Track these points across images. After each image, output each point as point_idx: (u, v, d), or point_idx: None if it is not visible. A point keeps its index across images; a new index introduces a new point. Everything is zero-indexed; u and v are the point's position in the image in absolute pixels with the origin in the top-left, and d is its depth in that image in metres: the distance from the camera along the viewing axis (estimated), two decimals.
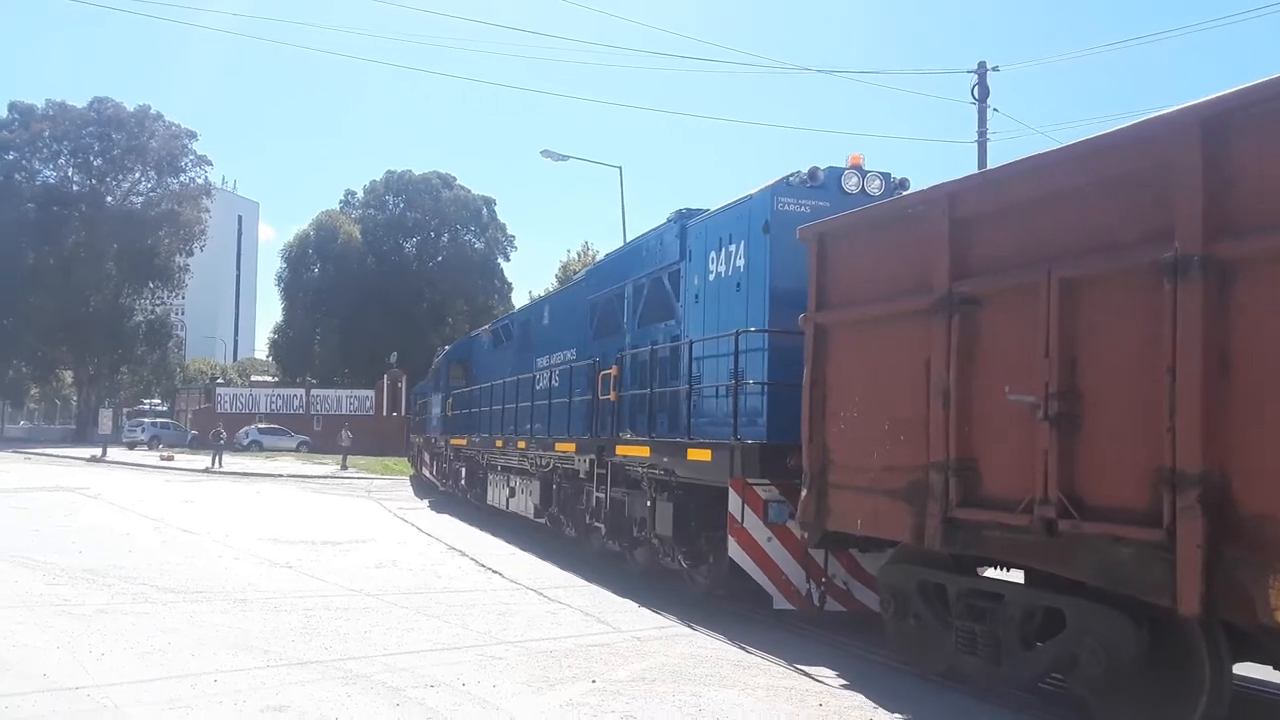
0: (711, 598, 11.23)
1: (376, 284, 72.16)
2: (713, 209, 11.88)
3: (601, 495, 13.20)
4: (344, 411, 62.44)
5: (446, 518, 21.89)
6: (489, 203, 79.37)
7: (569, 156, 36.81)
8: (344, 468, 43.36)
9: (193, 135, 74.83)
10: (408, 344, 66.73)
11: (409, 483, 36.65)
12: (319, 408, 64.61)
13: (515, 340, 21.04)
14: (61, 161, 72.72)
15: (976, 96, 26.71)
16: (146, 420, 67.18)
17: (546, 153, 35.83)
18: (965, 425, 7.21)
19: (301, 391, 66.71)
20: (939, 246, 7.53)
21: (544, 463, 16.00)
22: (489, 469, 20.55)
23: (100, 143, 72.06)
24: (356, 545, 16.68)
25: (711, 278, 11.48)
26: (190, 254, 76.03)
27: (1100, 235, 6.36)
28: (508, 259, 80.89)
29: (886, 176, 10.55)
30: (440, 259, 77.42)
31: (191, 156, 74.89)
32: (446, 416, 25.51)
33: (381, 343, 67.17)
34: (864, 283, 8.49)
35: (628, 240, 14.42)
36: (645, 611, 11.01)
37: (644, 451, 11.71)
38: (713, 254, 11.48)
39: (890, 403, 7.99)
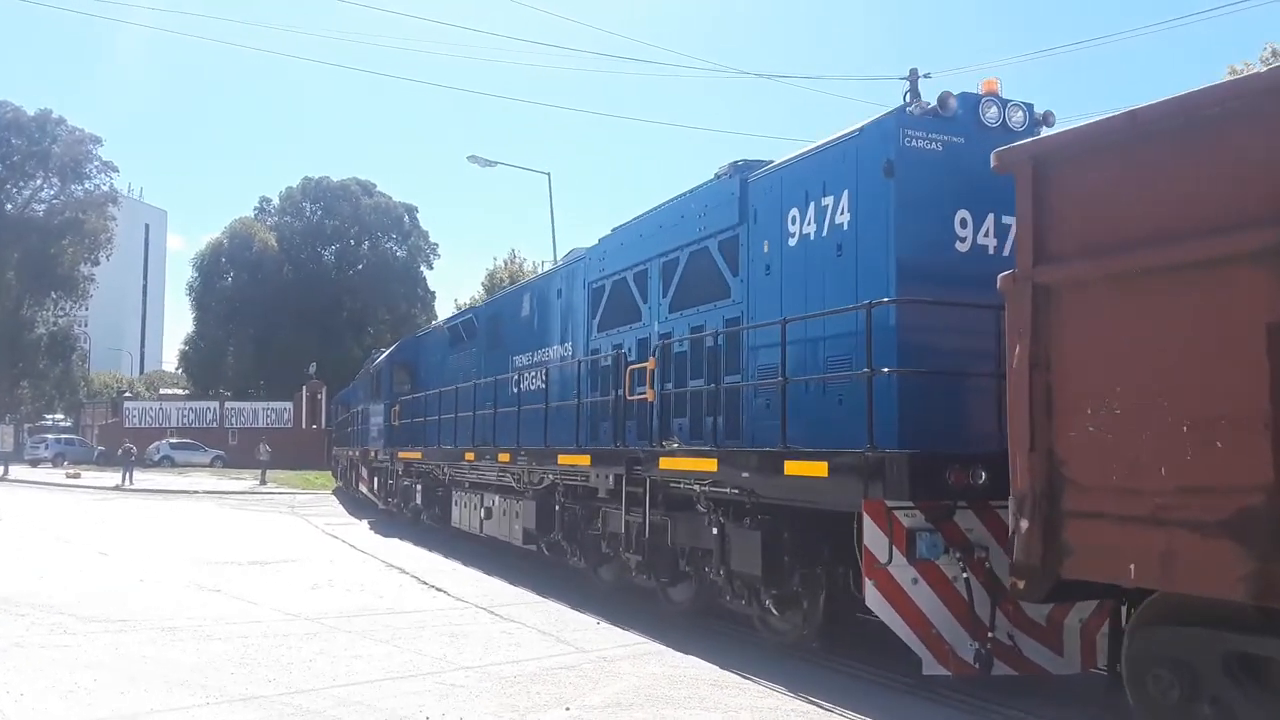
0: (683, 615, 10.78)
1: (293, 293, 71.06)
2: (789, 155, 9.93)
3: (632, 519, 11.14)
4: (261, 424, 61.60)
5: (394, 541, 20.20)
6: (411, 210, 78.80)
7: (496, 162, 36.85)
8: (263, 482, 42.65)
9: (97, 140, 72.76)
10: (326, 354, 66.11)
11: (333, 497, 36.17)
12: (234, 421, 63.63)
13: (482, 337, 18.97)
14: None
15: (907, 101, 27.35)
16: (50, 436, 65.19)
17: (473, 158, 35.87)
18: None
19: (215, 404, 65.59)
20: None
21: (538, 479, 13.93)
22: (453, 485, 18.48)
23: None
24: (286, 565, 16.25)
25: (793, 242, 9.48)
26: (95, 263, 73.90)
27: None
28: (431, 267, 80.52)
29: (1029, 108, 8.71)
30: (360, 267, 76.45)
31: (96, 163, 72.67)
32: (392, 426, 23.85)
33: (299, 353, 66.34)
34: (1128, 221, 6.18)
35: (643, 213, 12.68)
36: (606, 628, 10.78)
37: (706, 465, 9.47)
38: (793, 212, 9.47)
39: (1191, 393, 5.75)
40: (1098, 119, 6.63)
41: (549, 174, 36.63)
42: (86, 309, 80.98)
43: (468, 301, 55.04)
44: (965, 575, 7.45)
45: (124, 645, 9.35)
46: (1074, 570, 6.31)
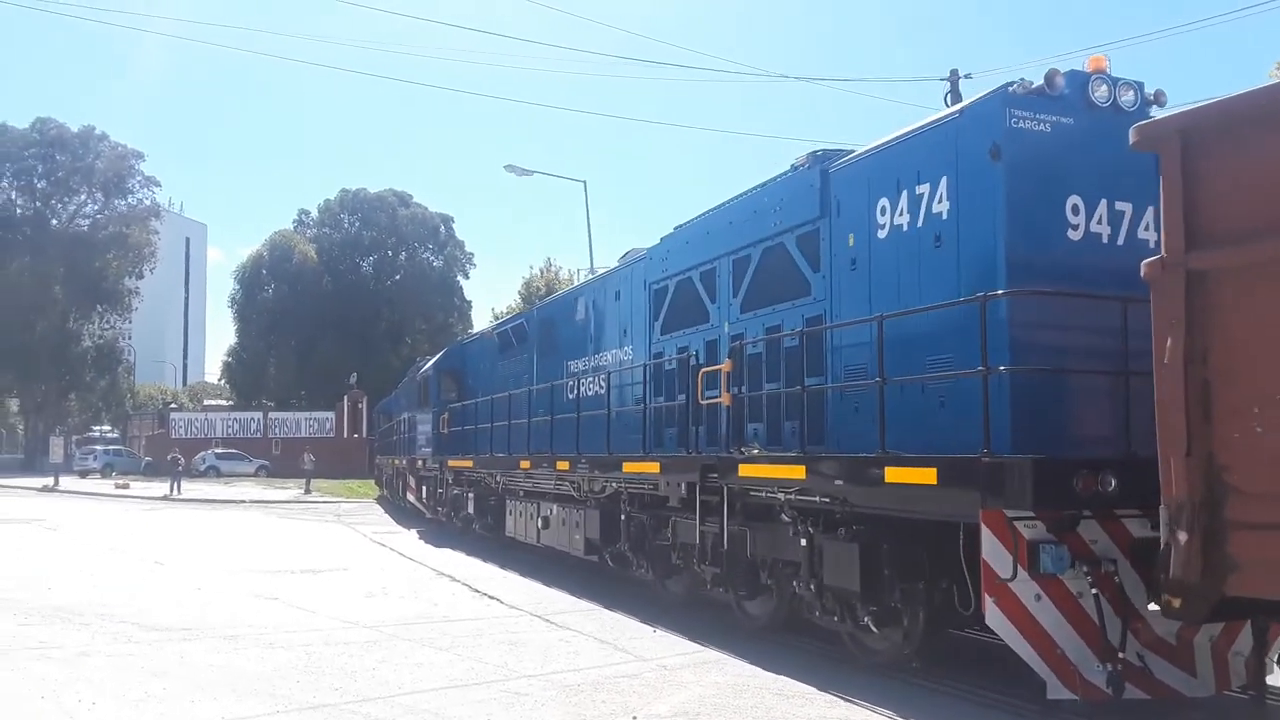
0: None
1: (333, 304, 71.23)
2: (875, 142, 9.25)
3: (708, 529, 10.48)
4: (304, 434, 61.67)
5: (445, 550, 19.56)
6: (447, 220, 78.85)
7: (533, 171, 36.75)
8: (307, 491, 42.46)
9: (139, 155, 73.35)
10: (366, 364, 66.22)
11: (378, 506, 36.07)
12: (277, 431, 63.72)
13: (533, 342, 18.09)
14: (4, 184, 70.74)
15: (949, 104, 26.81)
16: (98, 448, 65.63)
17: (510, 167, 35.67)
18: None
19: (259, 415, 65.73)
20: None
21: (600, 487, 13.28)
22: (507, 495, 17.68)
23: (44, 164, 70.22)
24: (339, 573, 16.10)
25: (883, 234, 8.81)
26: (140, 276, 74.36)
27: None
28: (467, 277, 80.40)
29: (1139, 86, 8.00)
30: (398, 278, 76.52)
31: (139, 177, 73.30)
32: (441, 435, 22.93)
33: (339, 363, 66.54)
34: None
35: (710, 209, 11.97)
36: (664, 636, 10.52)
37: (792, 472, 8.77)
38: (882, 202, 8.80)
39: None
40: (1263, 86, 5.96)
41: (585, 182, 36.62)
42: (130, 322, 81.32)
43: (505, 311, 54.80)
44: (1094, 591, 6.82)
45: (189, 654, 9.26)
46: (1241, 587, 5.62)
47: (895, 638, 8.31)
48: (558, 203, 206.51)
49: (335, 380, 65.17)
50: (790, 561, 9.27)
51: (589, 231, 35.65)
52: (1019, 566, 6.77)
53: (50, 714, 7.14)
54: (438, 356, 25.99)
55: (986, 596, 6.90)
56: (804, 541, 8.80)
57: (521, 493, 16.87)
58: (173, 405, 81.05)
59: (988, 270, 7.58)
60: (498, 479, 18.01)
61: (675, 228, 12.77)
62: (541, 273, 60.67)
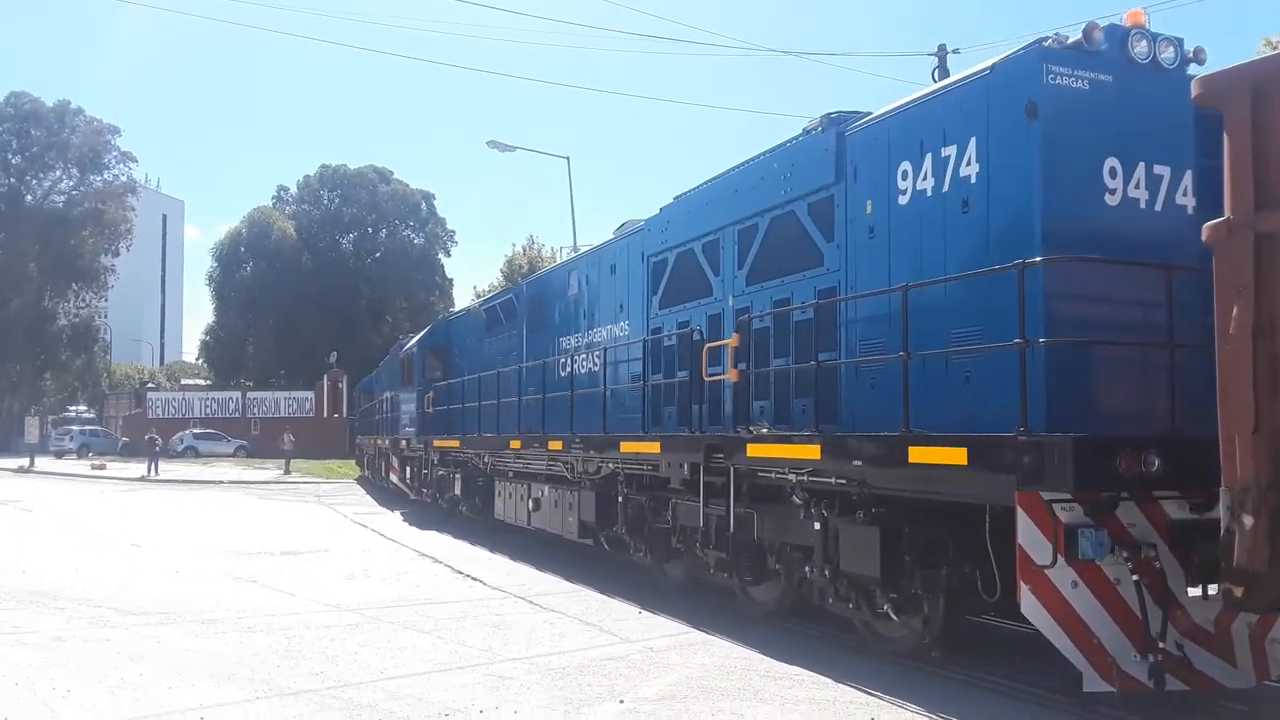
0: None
1: (312, 282, 70.08)
2: (896, 103, 8.70)
3: (712, 512, 9.98)
4: (283, 414, 61.02)
5: (430, 532, 19.21)
6: (428, 197, 77.67)
7: (516, 147, 36.32)
8: (287, 472, 42.31)
9: (115, 131, 71.89)
10: (346, 343, 65.64)
11: (358, 486, 35.91)
12: (256, 410, 62.95)
13: (523, 318, 17.43)
14: None
15: (936, 79, 26.33)
16: (74, 428, 65.07)
17: (493, 143, 35.34)
18: None
19: (237, 394, 64.88)
20: None
21: (595, 468, 12.74)
22: (496, 475, 17.12)
23: (18, 140, 68.80)
24: (320, 554, 15.88)
25: (904, 200, 8.25)
26: (116, 254, 72.98)
27: None
28: (449, 255, 79.31)
29: (1178, 43, 7.53)
30: (378, 255, 75.43)
31: (115, 153, 71.78)
32: (426, 414, 22.31)
33: (319, 342, 66.00)
34: None
35: (713, 177, 11.40)
36: (649, 616, 10.36)
37: (805, 452, 8.27)
38: (904, 166, 8.24)
39: None
40: None
41: (568, 158, 36.15)
42: (107, 300, 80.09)
43: (487, 289, 54.21)
44: (1135, 578, 6.37)
45: (166, 638, 9.11)
46: None
47: (914, 625, 7.89)
48: (540, 180, 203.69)
49: (315, 359, 64.58)
50: (800, 546, 8.84)
51: (572, 209, 35.21)
52: (1056, 550, 6.34)
53: (24, 702, 6.96)
54: (422, 334, 25.24)
55: (1022, 584, 6.43)
56: (817, 525, 8.33)
57: (511, 473, 16.31)
58: (150, 385, 79.90)
59: (1021, 237, 7.06)
60: (486, 459, 17.45)
61: (675, 197, 12.22)
62: (524, 251, 60.14)
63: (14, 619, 9.97)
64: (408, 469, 24.63)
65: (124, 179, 73.23)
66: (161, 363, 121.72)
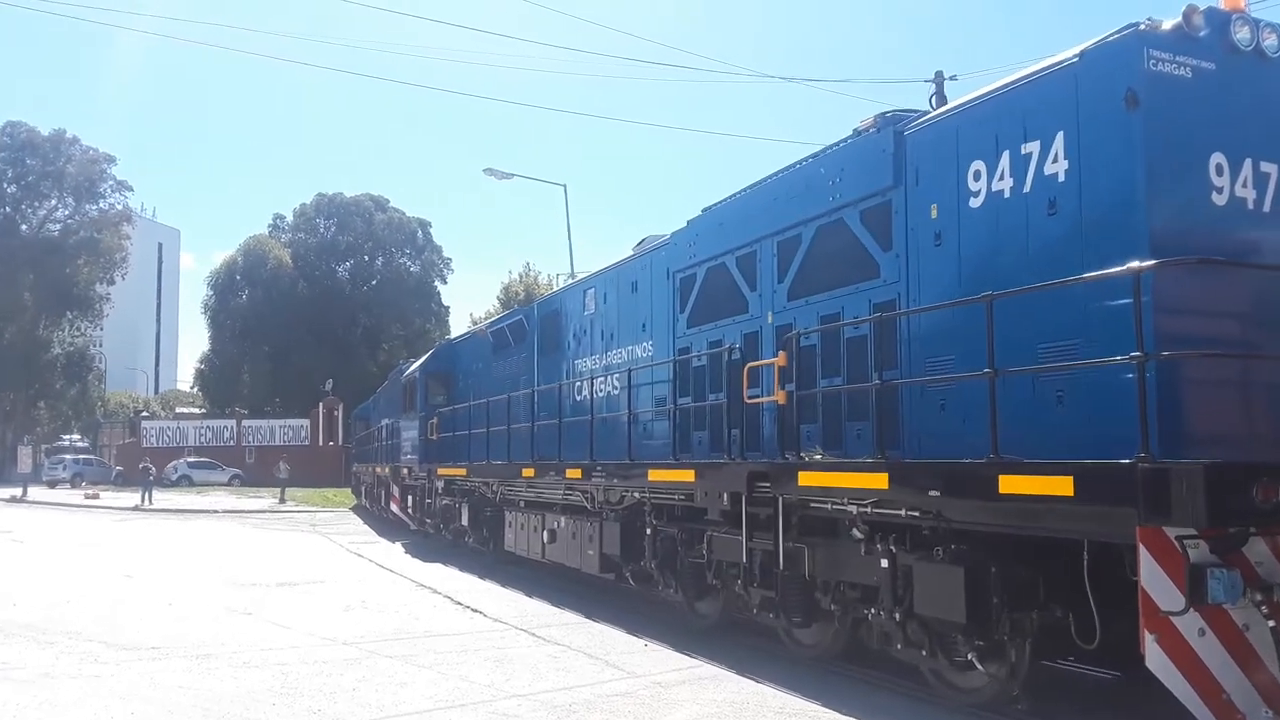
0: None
1: (308, 310, 69.33)
2: (964, 98, 7.99)
3: (757, 546, 9.03)
4: (278, 442, 60.32)
5: (435, 565, 18.20)
6: (424, 225, 77.03)
7: (513, 174, 36.00)
8: (283, 501, 41.68)
9: (111, 160, 70.95)
10: (342, 370, 64.89)
11: (354, 515, 35.40)
12: (251, 439, 62.15)
13: (534, 340, 16.51)
14: None
15: (934, 106, 25.65)
16: (68, 457, 63.76)
17: (490, 171, 35.28)
18: None
19: (232, 423, 64.05)
20: None
21: (618, 498, 11.84)
22: (506, 505, 16.19)
23: (14, 168, 67.78)
24: (316, 586, 15.38)
25: (976, 202, 7.46)
26: (111, 283, 71.98)
27: None
28: (445, 282, 78.53)
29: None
30: (374, 283, 74.69)
31: (111, 182, 70.84)
32: (429, 441, 21.20)
33: (315, 370, 65.22)
34: None
35: (748, 187, 10.65)
36: (656, 650, 9.95)
37: (871, 481, 7.34)
38: (976, 165, 7.46)
39: None
40: None
41: (565, 186, 35.56)
42: (101, 329, 78.95)
43: (484, 315, 53.43)
44: (1271, 623, 5.54)
45: (158, 675, 8.73)
46: None
47: (998, 673, 6.95)
48: (536, 207, 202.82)
49: (310, 387, 63.65)
50: (860, 585, 7.97)
51: (569, 236, 35.30)
52: (1181, 594, 5.46)
53: None
54: (425, 358, 24.28)
55: (1147, 634, 5.51)
56: (884, 562, 7.44)
57: (522, 503, 15.40)
58: (144, 413, 78.80)
59: (1123, 240, 6.25)
60: (495, 488, 16.48)
61: (703, 209, 11.40)
62: (520, 277, 59.43)
63: (2, 654, 9.55)
64: (409, 498, 23.66)
65: (119, 208, 72.34)
66: (156, 391, 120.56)
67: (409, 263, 76.26)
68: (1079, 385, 6.48)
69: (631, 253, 13.38)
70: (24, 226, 69.36)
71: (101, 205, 71.14)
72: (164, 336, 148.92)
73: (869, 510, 7.57)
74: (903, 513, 7.23)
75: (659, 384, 11.96)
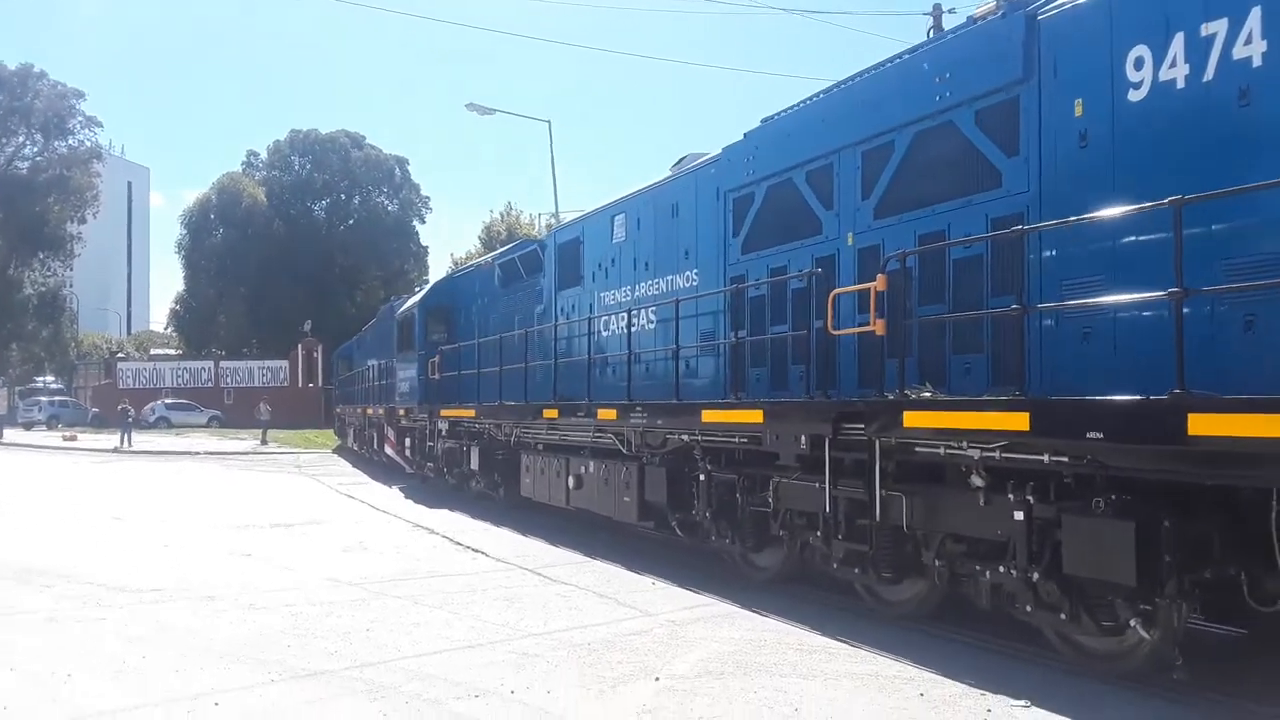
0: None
1: (284, 249, 67.40)
2: None
3: (842, 495, 7.87)
4: (257, 384, 59.04)
5: (443, 512, 16.79)
6: (402, 163, 74.68)
7: (495, 110, 34.68)
8: (264, 442, 40.79)
9: (80, 95, 67.72)
10: (320, 311, 63.66)
11: (338, 456, 34.60)
12: (230, 380, 60.68)
13: (550, 272, 15.01)
14: None
15: (932, 38, 24.30)
16: (43, 399, 62.19)
17: (471, 106, 33.91)
18: None
19: (210, 364, 62.39)
20: None
21: (660, 440, 10.63)
22: (522, 448, 14.76)
23: None
24: (312, 527, 14.84)
25: (1137, 95, 6.24)
26: (82, 222, 69.25)
27: None
28: (423, 222, 76.40)
29: None
30: (351, 222, 72.58)
31: (80, 118, 67.63)
32: (429, 381, 19.35)
33: (292, 310, 63.91)
34: None
35: (821, 91, 9.38)
36: (663, 588, 9.67)
37: (1005, 421, 6.18)
38: (1138, 51, 6.22)
39: None
40: None
41: (549, 122, 33.99)
42: (73, 269, 76.43)
43: (464, 257, 51.79)
44: None
45: (165, 618, 8.34)
46: None
47: (1154, 637, 5.88)
48: (519, 146, 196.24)
49: (288, 328, 62.19)
50: (973, 538, 6.90)
51: (554, 174, 33.83)
52: None
53: (23, 690, 6.31)
54: (423, 292, 22.48)
55: None
56: (1018, 514, 6.32)
57: (540, 446, 14.09)
58: (119, 354, 76.67)
59: None
60: (508, 430, 15.08)
61: (762, 120, 10.08)
62: (502, 217, 57.97)
63: (2, 598, 9.14)
64: (406, 440, 22.19)
65: (89, 144, 69.37)
66: (129, 332, 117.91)
67: (386, 201, 74.12)
68: (1272, 310, 5.38)
69: (669, 173, 11.99)
70: None
71: (70, 142, 68.17)
72: (135, 277, 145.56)
73: (996, 455, 6.42)
74: (1045, 458, 6.08)
75: (704, 316, 10.72)
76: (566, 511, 13.59)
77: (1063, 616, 6.25)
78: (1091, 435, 5.66)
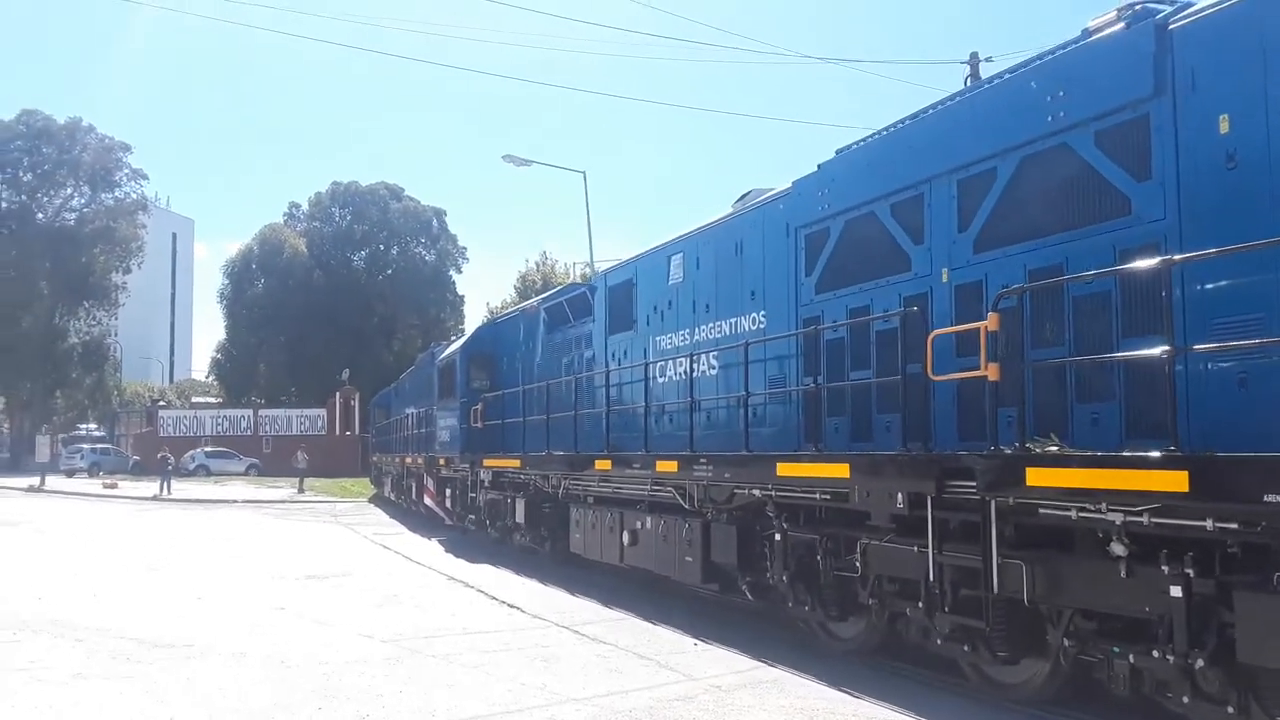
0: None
1: (324, 299, 67.41)
2: None
3: (949, 562, 6.96)
4: (295, 431, 58.62)
5: (484, 567, 16.03)
6: (439, 214, 74.81)
7: (532, 161, 34.42)
8: (301, 491, 40.09)
9: (126, 148, 68.73)
10: (358, 360, 63.45)
11: (373, 506, 34.09)
12: (268, 428, 60.30)
13: (601, 316, 14.15)
14: None
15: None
16: (85, 446, 62.09)
17: (509, 158, 33.75)
18: None
19: (249, 412, 62.20)
20: None
21: (726, 495, 9.85)
22: (571, 500, 14.00)
23: (30, 157, 65.54)
24: (345, 578, 14.49)
25: None
26: (127, 272, 69.93)
27: None
28: (460, 271, 76.33)
29: None
30: (390, 272, 72.60)
31: (126, 170, 68.68)
32: (473, 429, 18.59)
33: (330, 359, 63.79)
34: None
35: (909, 116, 8.62)
36: (705, 648, 9.25)
37: (1160, 482, 5.29)
38: None
39: None
40: None
41: (585, 173, 33.72)
42: (117, 318, 76.85)
43: (500, 306, 51.27)
44: None
45: (196, 676, 8.08)
46: None
47: None
48: (553, 195, 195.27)
49: (326, 376, 62.05)
50: (1113, 615, 5.96)
51: (589, 224, 32.65)
52: None
53: None
54: (465, 339, 21.78)
55: None
56: (1175, 590, 5.39)
57: (591, 499, 13.24)
58: (160, 403, 76.73)
59: None
60: (555, 482, 14.22)
61: (837, 151, 9.27)
62: (538, 267, 57.55)
63: (31, 652, 8.90)
64: (446, 491, 21.31)
65: (135, 196, 70.18)
66: (171, 380, 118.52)
67: (424, 252, 74.15)
68: None
69: (731, 210, 11.19)
70: (40, 215, 67.27)
71: (117, 194, 69.04)
72: (178, 326, 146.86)
73: (1144, 520, 5.53)
74: (1208, 524, 5.19)
75: (771, 361, 9.86)
76: (615, 568, 12.82)
77: (1230, 710, 5.27)
78: (1270, 498, 4.73)
